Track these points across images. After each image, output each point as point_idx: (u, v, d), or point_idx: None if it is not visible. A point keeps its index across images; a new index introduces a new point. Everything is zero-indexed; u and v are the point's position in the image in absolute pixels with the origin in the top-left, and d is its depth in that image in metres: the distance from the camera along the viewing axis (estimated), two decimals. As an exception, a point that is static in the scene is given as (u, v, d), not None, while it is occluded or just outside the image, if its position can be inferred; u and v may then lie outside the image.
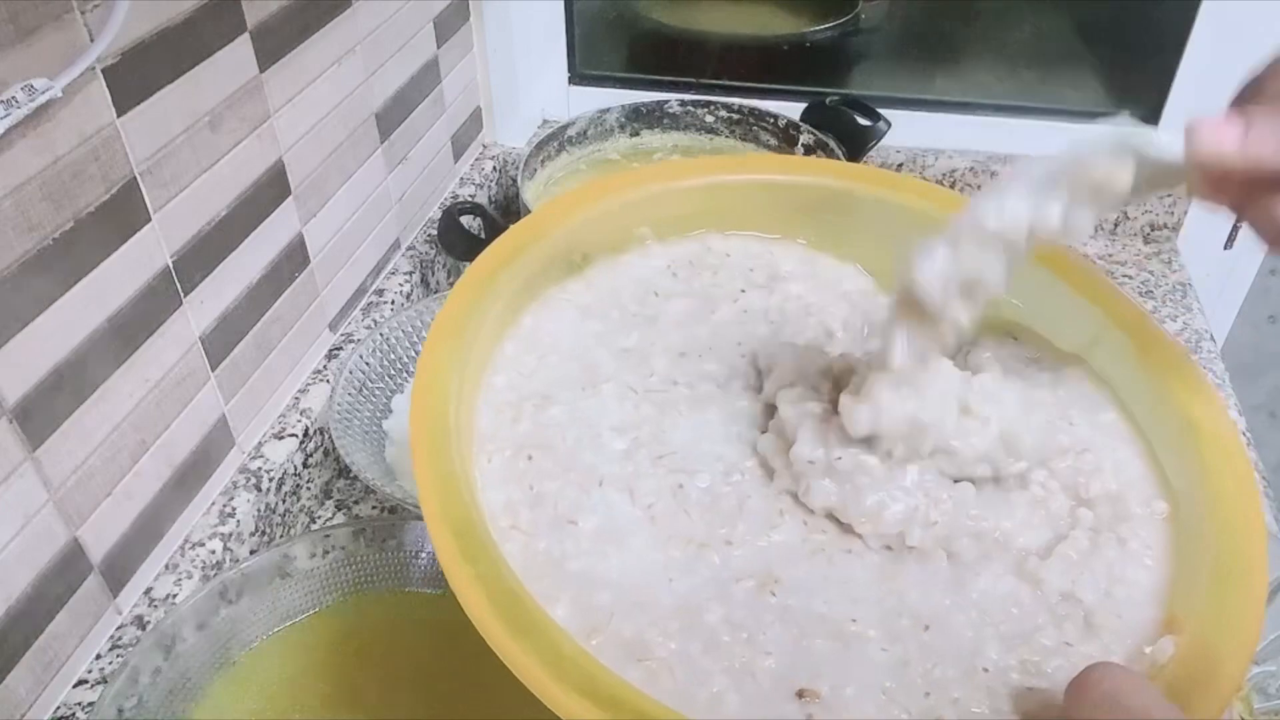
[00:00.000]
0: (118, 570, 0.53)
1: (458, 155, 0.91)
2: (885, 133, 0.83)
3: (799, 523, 0.39)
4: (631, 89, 0.95)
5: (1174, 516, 0.39)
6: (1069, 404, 0.43)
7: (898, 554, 0.38)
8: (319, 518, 0.66)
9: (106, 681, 0.50)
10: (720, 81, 0.97)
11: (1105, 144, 0.36)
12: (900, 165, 0.92)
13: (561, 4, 0.94)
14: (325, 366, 0.70)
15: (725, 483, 0.40)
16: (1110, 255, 0.90)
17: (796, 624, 0.35)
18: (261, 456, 0.63)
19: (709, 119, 0.89)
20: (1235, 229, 0.92)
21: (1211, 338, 0.80)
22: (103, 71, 0.47)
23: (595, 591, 0.35)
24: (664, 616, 0.35)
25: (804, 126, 0.85)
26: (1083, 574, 0.37)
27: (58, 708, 0.50)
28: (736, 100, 0.89)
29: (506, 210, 0.96)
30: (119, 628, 0.53)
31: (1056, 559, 0.37)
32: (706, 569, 0.37)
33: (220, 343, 0.58)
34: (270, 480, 0.62)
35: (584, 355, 0.45)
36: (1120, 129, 0.37)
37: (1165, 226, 0.91)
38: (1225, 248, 0.93)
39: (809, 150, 0.84)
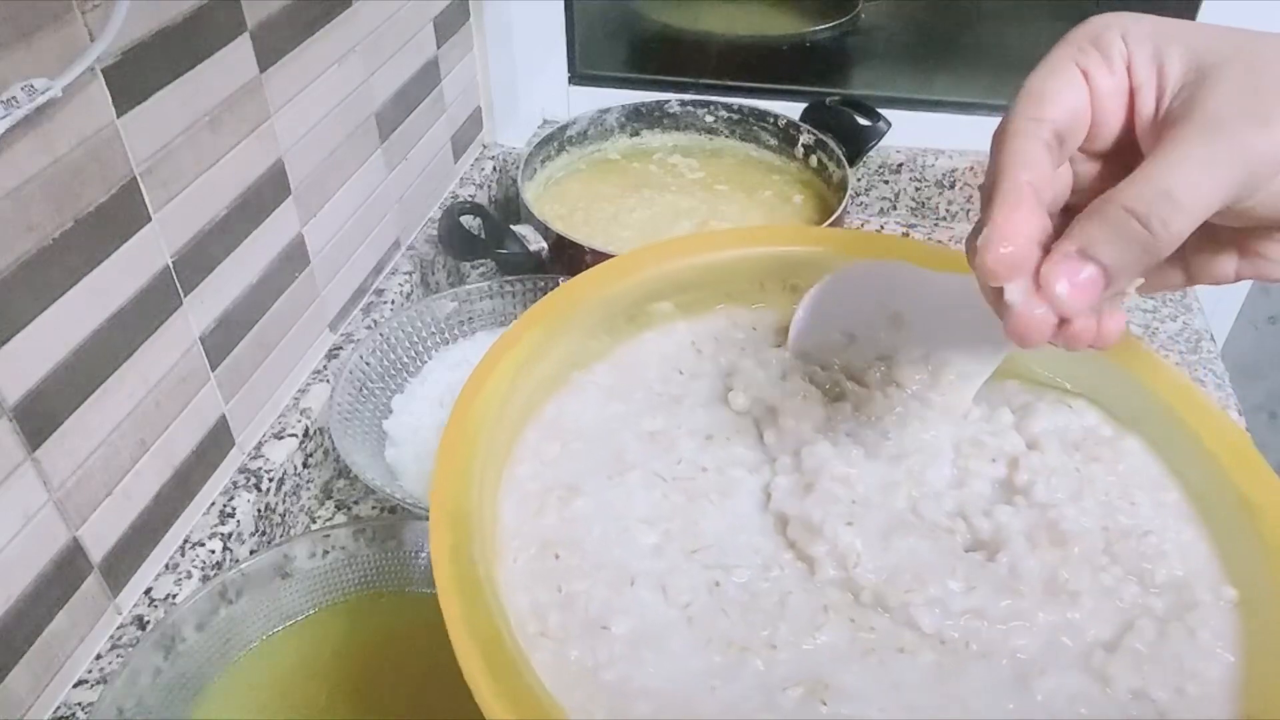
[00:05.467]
0: (118, 570, 0.53)
1: (458, 155, 0.91)
2: (885, 133, 0.83)
3: (845, 620, 0.36)
4: (631, 89, 0.95)
5: (1243, 603, 0.37)
6: (1130, 482, 0.41)
7: (955, 652, 0.35)
8: (319, 518, 0.66)
9: (106, 681, 0.50)
10: (720, 81, 0.97)
11: None
12: (900, 165, 0.92)
13: (561, 4, 0.93)
14: (325, 366, 0.70)
15: (764, 578, 0.38)
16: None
17: None
18: (261, 456, 0.63)
19: (709, 119, 0.89)
20: None
21: (1211, 338, 0.80)
22: (103, 71, 0.46)
23: (634, 703, 0.33)
24: None
25: (804, 126, 0.85)
26: (1153, 669, 0.35)
27: (58, 708, 0.50)
28: (736, 100, 0.89)
29: (506, 210, 0.96)
30: (119, 628, 0.53)
31: (1124, 653, 0.35)
32: (750, 675, 0.34)
33: (220, 343, 0.58)
34: (270, 480, 0.62)
35: (608, 440, 0.43)
36: None
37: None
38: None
39: (809, 150, 0.85)
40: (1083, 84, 0.32)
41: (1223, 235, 0.33)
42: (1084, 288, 0.29)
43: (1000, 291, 0.31)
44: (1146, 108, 0.31)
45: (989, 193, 0.31)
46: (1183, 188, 0.28)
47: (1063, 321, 0.31)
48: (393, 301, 0.77)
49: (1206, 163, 0.28)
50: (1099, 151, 0.34)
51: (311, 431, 0.65)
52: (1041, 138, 0.31)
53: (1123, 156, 0.34)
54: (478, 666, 0.30)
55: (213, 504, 0.60)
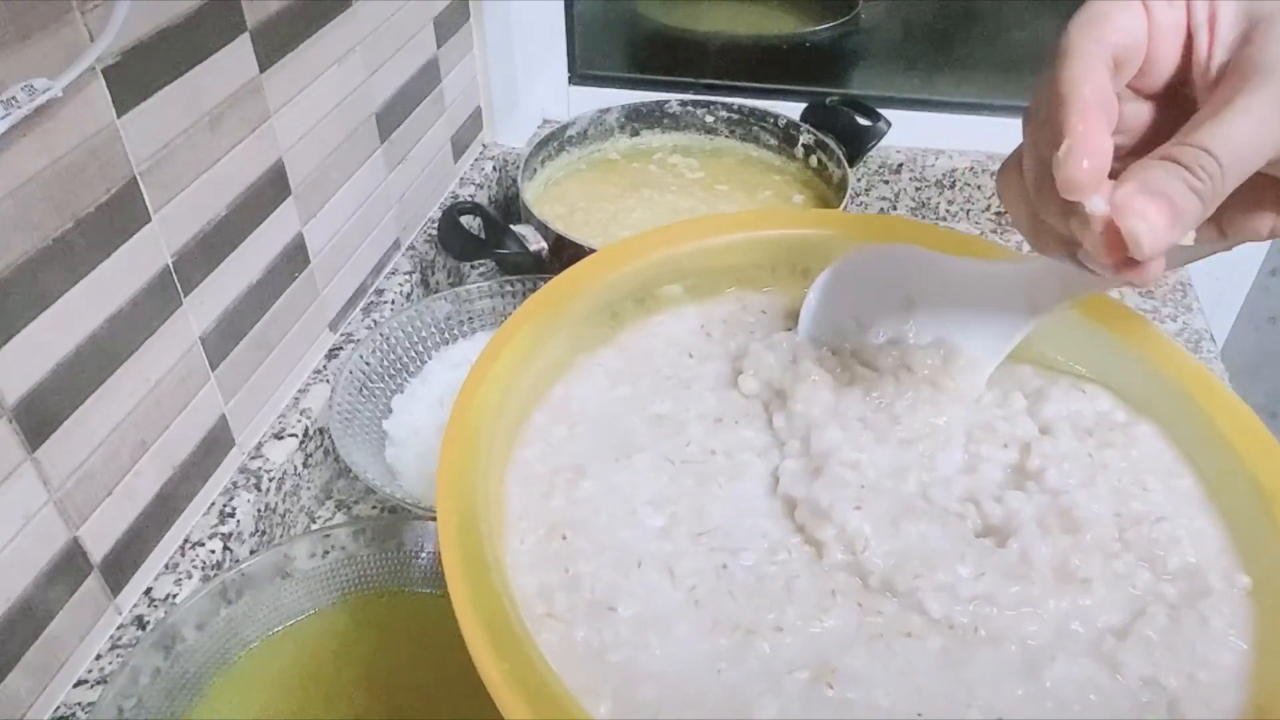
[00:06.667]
0: (118, 570, 0.53)
1: (458, 155, 0.91)
2: (885, 133, 0.83)
3: (853, 604, 0.36)
4: (631, 89, 0.95)
5: (1257, 590, 0.37)
6: (1143, 468, 0.41)
7: (963, 638, 0.35)
8: (319, 518, 0.66)
9: (106, 681, 0.50)
10: (720, 81, 0.97)
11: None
12: (900, 165, 0.92)
13: (561, 4, 0.94)
14: (325, 366, 0.70)
15: (771, 561, 0.37)
16: (1110, 255, 0.90)
17: None
18: (261, 456, 0.63)
19: (709, 119, 0.89)
20: None
21: (1211, 338, 0.80)
22: (103, 71, 0.46)
23: (639, 685, 0.33)
24: (714, 713, 0.32)
25: (804, 126, 0.85)
26: (1164, 656, 0.34)
27: (58, 708, 0.50)
28: (736, 100, 0.89)
29: (506, 210, 0.96)
30: (119, 628, 0.53)
31: (1135, 640, 0.35)
32: (756, 659, 0.34)
33: (220, 343, 0.58)
34: (270, 480, 0.62)
35: (616, 423, 0.43)
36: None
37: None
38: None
39: (809, 150, 0.85)
40: (1142, 12, 0.31)
41: (1265, 192, 0.32)
42: (1168, 217, 0.28)
43: (1064, 218, 0.30)
44: (1201, 52, 0.31)
45: (1051, 108, 0.30)
46: (1228, 144, 0.28)
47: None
48: (393, 301, 0.77)
49: (1254, 116, 0.28)
50: (1151, 93, 0.33)
51: (311, 431, 0.65)
52: (1102, 57, 0.30)
53: (1174, 102, 0.33)
54: (484, 646, 0.30)
55: (213, 504, 0.60)
